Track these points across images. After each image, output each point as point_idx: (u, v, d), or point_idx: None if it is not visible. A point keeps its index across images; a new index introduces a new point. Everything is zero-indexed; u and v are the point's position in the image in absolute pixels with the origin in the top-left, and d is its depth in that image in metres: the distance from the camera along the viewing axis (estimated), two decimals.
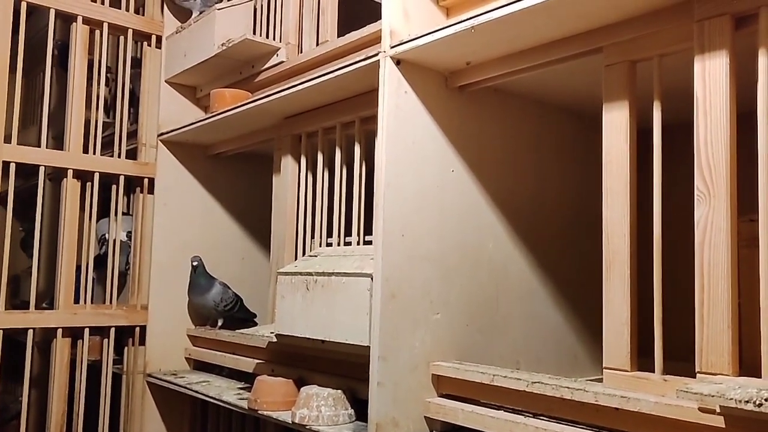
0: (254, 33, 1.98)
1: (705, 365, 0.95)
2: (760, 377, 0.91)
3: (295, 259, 1.78)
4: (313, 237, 1.76)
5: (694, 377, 0.96)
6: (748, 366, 0.94)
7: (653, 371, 1.04)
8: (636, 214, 1.10)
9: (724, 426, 0.89)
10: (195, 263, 2.04)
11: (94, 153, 2.06)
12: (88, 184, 2.05)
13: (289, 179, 1.83)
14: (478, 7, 1.19)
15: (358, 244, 1.58)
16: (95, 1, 2.09)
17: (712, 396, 0.84)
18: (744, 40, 0.96)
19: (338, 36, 1.71)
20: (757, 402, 0.78)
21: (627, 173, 1.09)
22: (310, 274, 1.46)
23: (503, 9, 1.10)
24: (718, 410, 0.88)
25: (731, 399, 0.81)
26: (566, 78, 1.42)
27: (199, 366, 2.11)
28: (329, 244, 1.70)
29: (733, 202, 0.95)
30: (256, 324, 2.06)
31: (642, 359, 1.08)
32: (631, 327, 1.07)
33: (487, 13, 1.12)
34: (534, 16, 1.10)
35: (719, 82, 0.96)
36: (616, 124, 1.12)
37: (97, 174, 2.05)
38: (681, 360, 1.08)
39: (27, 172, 1.98)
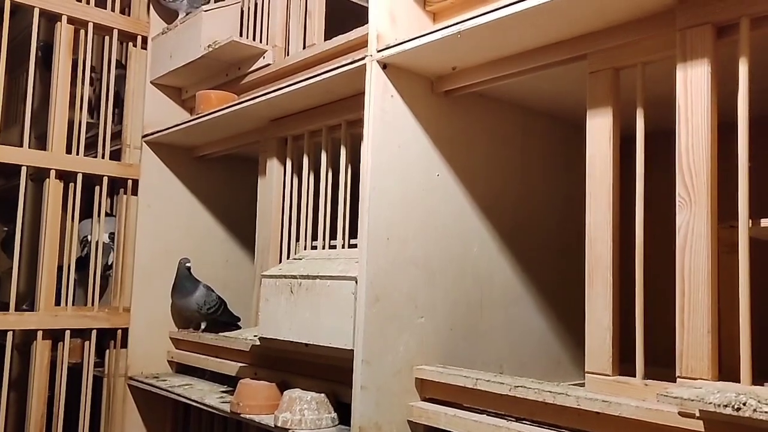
0: (241, 35, 1.97)
1: (685, 370, 0.96)
2: (739, 382, 0.92)
3: (280, 262, 1.77)
4: (298, 240, 1.76)
5: (675, 382, 0.97)
6: (727, 370, 0.95)
7: (635, 376, 1.05)
8: (619, 219, 1.11)
9: (703, 430, 0.90)
10: (188, 264, 2.02)
11: (78, 153, 2.05)
12: (71, 184, 2.03)
13: (274, 182, 1.82)
14: (464, 12, 1.20)
15: (344, 247, 1.58)
16: (80, 1, 2.07)
17: (692, 400, 0.85)
18: (725, 48, 0.98)
19: (325, 39, 1.72)
20: (736, 406, 0.79)
21: (610, 179, 1.10)
22: (294, 277, 1.45)
23: (489, 15, 1.10)
24: (697, 414, 0.89)
25: (710, 403, 0.82)
26: (551, 84, 1.43)
27: (182, 369, 2.10)
28: (314, 247, 1.69)
29: (714, 208, 0.96)
30: (239, 327, 2.05)
31: (624, 364, 1.09)
32: (613, 332, 1.08)
33: (474, 19, 1.13)
34: (520, 23, 1.11)
35: (701, 90, 0.98)
36: (599, 130, 1.13)
37: (80, 175, 2.03)
38: (662, 365, 1.09)
39: (9, 172, 1.96)
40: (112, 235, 2.19)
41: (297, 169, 1.79)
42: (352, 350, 1.26)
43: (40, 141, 2.14)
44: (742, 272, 0.93)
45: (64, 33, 2.03)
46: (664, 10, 1.04)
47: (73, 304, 2.03)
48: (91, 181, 2.09)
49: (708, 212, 0.96)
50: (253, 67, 1.89)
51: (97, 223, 2.10)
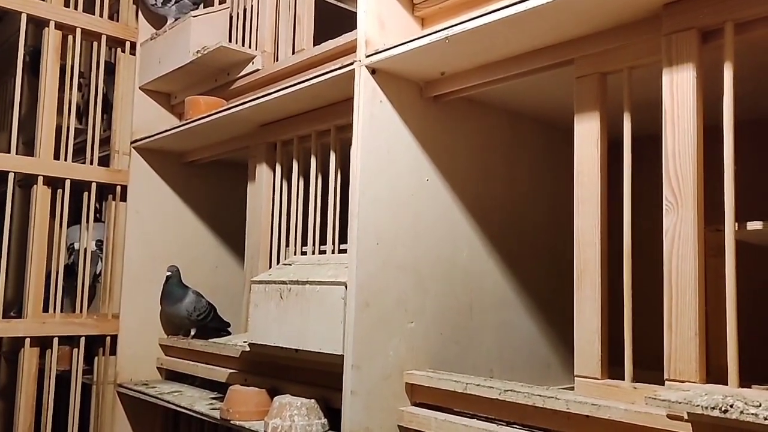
0: (230, 40, 1.97)
1: (673, 373, 0.96)
2: (727, 384, 0.93)
3: (270, 267, 1.77)
4: (287, 245, 1.76)
5: (664, 385, 0.97)
6: (715, 373, 0.95)
7: (623, 379, 1.05)
8: (607, 223, 1.11)
9: None
10: (169, 273, 2.01)
11: (66, 159, 2.04)
12: (59, 191, 2.02)
13: (263, 187, 1.82)
14: (452, 18, 1.20)
15: (333, 252, 1.58)
16: (68, 6, 2.07)
17: (680, 403, 0.85)
18: (711, 53, 0.99)
19: (314, 45, 1.72)
20: (723, 408, 0.80)
21: (598, 183, 1.11)
22: (284, 282, 1.45)
23: (477, 20, 1.11)
24: (685, 417, 0.89)
25: (698, 406, 0.83)
26: (538, 89, 1.44)
27: (171, 376, 2.09)
28: (304, 253, 1.69)
29: (701, 211, 0.97)
30: (229, 333, 2.04)
31: (613, 367, 1.10)
32: (601, 335, 1.09)
33: (462, 24, 1.14)
34: (507, 28, 1.12)
35: (687, 94, 0.98)
36: (587, 134, 1.13)
37: (68, 181, 2.02)
38: (651, 368, 1.09)
39: None
40: (99, 243, 2.17)
41: (286, 175, 1.79)
42: (342, 355, 1.26)
43: (28, 147, 2.13)
44: (729, 275, 0.93)
45: (51, 38, 2.02)
46: (650, 15, 1.04)
47: (61, 311, 2.02)
48: (80, 187, 2.08)
49: (695, 216, 0.96)
50: (242, 73, 1.89)
51: (86, 229, 2.09)
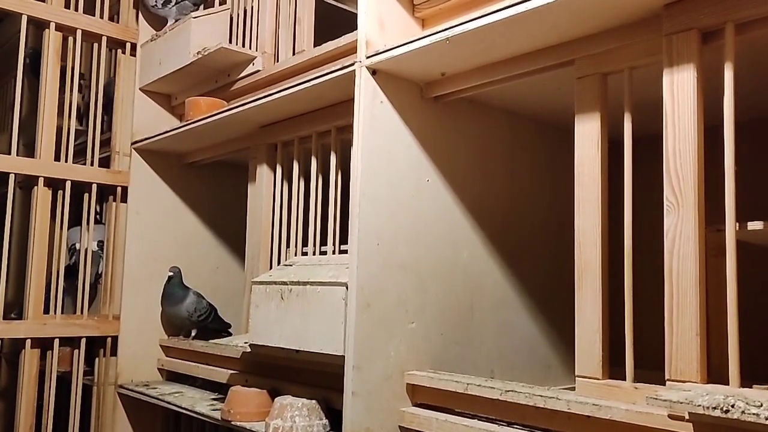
0: (230, 41, 1.97)
1: (674, 373, 0.96)
2: (728, 384, 0.92)
3: (270, 268, 1.77)
4: (288, 246, 1.76)
5: (665, 385, 0.97)
6: (716, 373, 0.95)
7: (624, 379, 1.05)
8: (607, 224, 1.11)
9: None
10: (171, 274, 2.02)
11: (66, 161, 2.04)
12: (60, 192, 2.02)
13: (264, 188, 1.82)
14: (453, 18, 1.20)
15: (334, 253, 1.58)
16: (69, 8, 2.07)
17: (681, 403, 0.85)
18: (711, 54, 0.99)
19: (314, 45, 1.72)
20: (725, 408, 0.80)
21: (598, 184, 1.11)
22: (284, 283, 1.45)
23: (477, 21, 1.11)
24: (686, 417, 0.89)
25: (699, 406, 0.82)
26: (539, 89, 1.44)
27: (172, 377, 2.08)
28: (304, 253, 1.69)
29: (701, 212, 0.97)
30: (230, 334, 2.04)
31: (614, 367, 1.10)
32: (602, 335, 1.09)
33: (462, 25, 1.14)
34: (507, 29, 1.12)
35: (687, 94, 0.98)
36: (587, 135, 1.13)
37: (69, 182, 2.02)
38: (652, 368, 1.09)
39: None
40: (100, 243, 2.17)
41: (287, 176, 1.79)
42: (343, 356, 1.26)
43: (29, 148, 2.13)
44: (730, 275, 0.93)
45: (52, 40, 2.02)
46: (650, 15, 1.04)
47: (62, 313, 2.02)
48: (80, 188, 2.08)
49: (695, 216, 0.96)
50: (243, 74, 1.89)
51: (86, 230, 2.09)
